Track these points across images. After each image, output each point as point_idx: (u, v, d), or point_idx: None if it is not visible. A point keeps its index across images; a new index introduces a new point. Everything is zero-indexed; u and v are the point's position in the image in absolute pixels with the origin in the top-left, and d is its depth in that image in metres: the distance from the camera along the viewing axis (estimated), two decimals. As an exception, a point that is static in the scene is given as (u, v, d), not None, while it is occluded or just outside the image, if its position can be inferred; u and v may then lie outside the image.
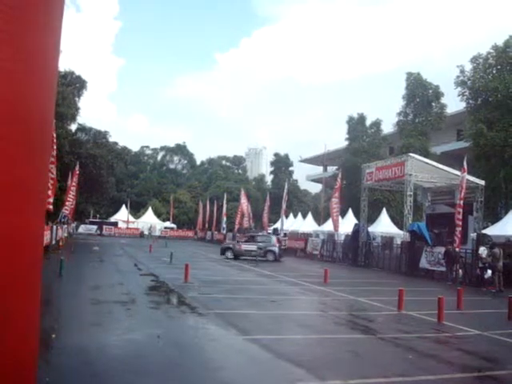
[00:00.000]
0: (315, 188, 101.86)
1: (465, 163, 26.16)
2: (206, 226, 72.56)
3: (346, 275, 27.16)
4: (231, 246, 34.38)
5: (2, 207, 2.39)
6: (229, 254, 33.17)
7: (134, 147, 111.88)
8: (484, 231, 28.50)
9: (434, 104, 51.39)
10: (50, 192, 26.37)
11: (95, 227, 67.74)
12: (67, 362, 7.58)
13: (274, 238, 34.93)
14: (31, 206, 2.58)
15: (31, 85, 2.53)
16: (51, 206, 26.99)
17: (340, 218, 41.43)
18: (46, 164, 2.79)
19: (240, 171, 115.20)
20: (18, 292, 2.53)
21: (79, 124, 56.57)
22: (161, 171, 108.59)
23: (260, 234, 39.86)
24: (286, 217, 56.27)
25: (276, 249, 33.57)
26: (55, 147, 27.49)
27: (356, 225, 37.71)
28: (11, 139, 2.40)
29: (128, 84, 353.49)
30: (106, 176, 60.46)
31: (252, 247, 32.93)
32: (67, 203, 38.31)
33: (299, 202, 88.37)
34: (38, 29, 2.55)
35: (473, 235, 28.07)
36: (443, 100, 51.61)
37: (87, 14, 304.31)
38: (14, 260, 2.47)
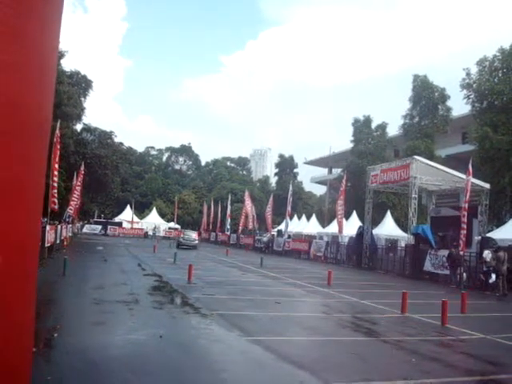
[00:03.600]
0: (320, 190, 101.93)
1: (470, 166, 26.07)
2: (210, 227, 72.61)
3: (349, 277, 27.09)
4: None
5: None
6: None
7: (140, 148, 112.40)
8: (488, 234, 28.41)
9: (439, 107, 51.30)
10: (55, 191, 26.43)
11: (100, 227, 67.84)
12: (69, 361, 7.57)
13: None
14: (27, 202, 2.57)
15: (30, 80, 2.53)
16: (56, 206, 27.02)
17: (344, 220, 41.38)
18: (44, 160, 2.78)
19: (245, 172, 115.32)
20: (12, 290, 2.50)
21: (84, 124, 56.66)
22: (166, 172, 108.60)
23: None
24: (291, 218, 56.18)
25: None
26: (58, 147, 27.44)
27: (360, 227, 37.65)
28: (7, 134, 2.39)
29: (134, 85, 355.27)
30: (110, 176, 60.46)
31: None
32: (72, 203, 38.38)
33: (304, 204, 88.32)
34: (37, 23, 2.55)
35: (477, 238, 27.98)
36: (449, 103, 51.58)
37: (94, 15, 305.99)
38: (9, 258, 2.44)
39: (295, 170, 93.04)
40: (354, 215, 47.87)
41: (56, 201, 27.00)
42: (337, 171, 74.85)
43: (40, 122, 2.65)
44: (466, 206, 25.30)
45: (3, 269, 2.38)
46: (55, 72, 2.93)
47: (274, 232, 55.40)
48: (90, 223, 70.54)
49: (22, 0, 2.43)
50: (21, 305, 2.58)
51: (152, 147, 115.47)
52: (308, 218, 61.15)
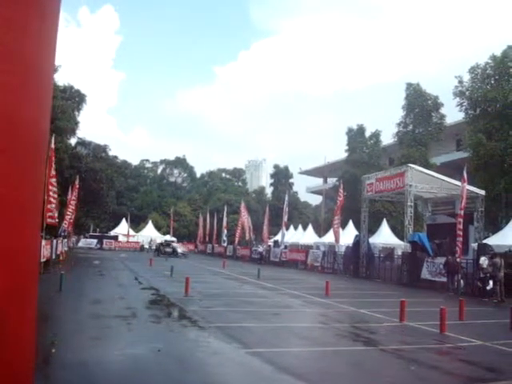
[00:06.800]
0: (315, 200, 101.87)
1: (465, 173, 26.16)
2: (207, 238, 72.43)
3: (347, 287, 27.05)
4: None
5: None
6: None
7: (134, 161, 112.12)
8: (485, 241, 28.43)
9: (433, 114, 51.40)
10: (53, 206, 26.39)
11: (95, 241, 67.45)
12: (67, 377, 7.53)
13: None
14: (26, 218, 2.58)
15: (27, 98, 2.55)
16: (54, 220, 26.95)
17: (340, 229, 41.34)
18: (41, 176, 2.79)
19: (240, 184, 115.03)
20: (14, 306, 2.51)
21: (79, 138, 56.73)
22: (161, 184, 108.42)
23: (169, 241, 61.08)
24: (287, 229, 56.13)
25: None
26: (53, 161, 27.46)
27: (357, 236, 37.64)
28: (5, 151, 2.40)
29: (128, 98, 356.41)
30: (105, 190, 60.43)
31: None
32: (67, 217, 38.29)
33: (299, 214, 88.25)
34: (33, 40, 2.57)
35: (474, 245, 28.01)
36: (442, 110, 51.72)
37: (87, 29, 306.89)
38: (10, 274, 2.45)
39: (290, 181, 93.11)
40: (350, 224, 47.82)
41: (54, 215, 26.97)
42: (332, 181, 74.91)
43: (37, 139, 2.66)
44: (462, 212, 25.38)
45: (3, 286, 2.39)
46: (52, 89, 2.96)
47: (271, 242, 55.33)
48: (86, 237, 70.22)
49: (19, 19, 2.45)
50: (22, 321, 2.58)
51: (147, 160, 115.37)
52: (304, 228, 61.07)
